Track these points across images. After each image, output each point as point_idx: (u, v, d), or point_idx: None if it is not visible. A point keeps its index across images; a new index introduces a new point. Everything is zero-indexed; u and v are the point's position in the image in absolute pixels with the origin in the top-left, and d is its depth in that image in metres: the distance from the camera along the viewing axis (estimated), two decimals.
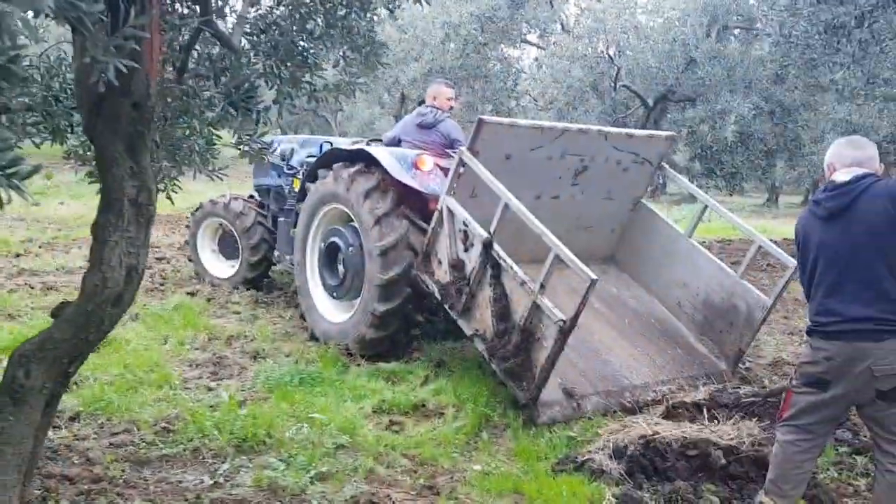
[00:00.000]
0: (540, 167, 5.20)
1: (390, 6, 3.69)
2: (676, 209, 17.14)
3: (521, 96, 20.44)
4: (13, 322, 5.78)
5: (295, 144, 7.15)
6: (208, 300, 6.87)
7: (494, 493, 3.57)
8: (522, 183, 4.98)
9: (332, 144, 6.44)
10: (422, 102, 6.21)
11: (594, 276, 4.02)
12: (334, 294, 5.83)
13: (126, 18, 2.23)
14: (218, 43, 3.08)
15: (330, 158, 5.86)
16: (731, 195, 21.83)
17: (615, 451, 3.85)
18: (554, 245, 4.19)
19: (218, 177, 3.28)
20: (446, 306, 4.86)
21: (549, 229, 4.28)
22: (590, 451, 3.90)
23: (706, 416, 4.25)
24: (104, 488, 3.30)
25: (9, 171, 1.70)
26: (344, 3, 3.39)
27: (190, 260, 8.02)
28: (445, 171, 5.20)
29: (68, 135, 3.13)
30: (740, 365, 5.39)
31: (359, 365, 5.29)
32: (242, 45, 3.20)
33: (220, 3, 3.06)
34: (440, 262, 4.93)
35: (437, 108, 5.95)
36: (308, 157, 6.68)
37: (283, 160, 7.00)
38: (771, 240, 5.59)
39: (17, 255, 8.53)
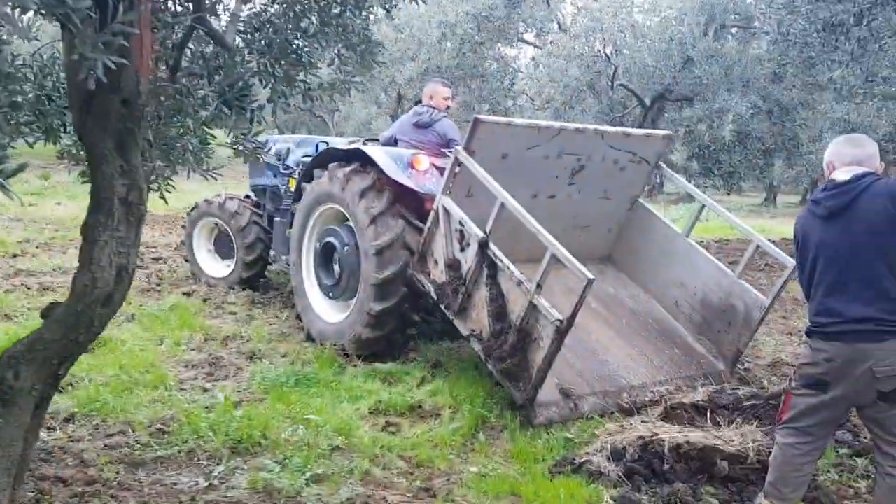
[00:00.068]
0: (536, 166, 5.17)
1: (387, 5, 3.66)
2: (674, 208, 17.14)
3: (517, 95, 20.40)
4: (9, 323, 5.74)
5: (291, 144, 7.12)
6: (204, 300, 6.84)
7: (491, 495, 3.55)
8: (519, 182, 4.96)
9: (328, 144, 6.42)
10: (418, 102, 6.19)
11: (591, 276, 4.00)
12: (330, 294, 5.80)
13: (115, 15, 2.20)
14: (211, 41, 3.05)
15: (325, 158, 5.84)
16: (728, 194, 21.86)
17: (613, 452, 3.82)
18: (550, 245, 4.17)
19: (212, 176, 3.25)
20: (442, 306, 4.84)
21: (545, 229, 4.26)
22: (587, 453, 3.88)
23: (707, 418, 4.22)
24: (98, 490, 3.28)
25: None
26: (339, 0, 3.36)
27: (186, 260, 7.99)
28: (442, 170, 5.17)
29: (61, 134, 3.10)
30: (739, 365, 5.37)
31: (355, 366, 5.27)
32: (236, 43, 3.16)
33: (213, 0, 3.02)
34: (436, 262, 4.91)
35: (434, 108, 5.93)
36: (304, 156, 6.64)
37: (279, 160, 6.97)
38: (769, 239, 5.58)
39: (14, 256, 8.47)
